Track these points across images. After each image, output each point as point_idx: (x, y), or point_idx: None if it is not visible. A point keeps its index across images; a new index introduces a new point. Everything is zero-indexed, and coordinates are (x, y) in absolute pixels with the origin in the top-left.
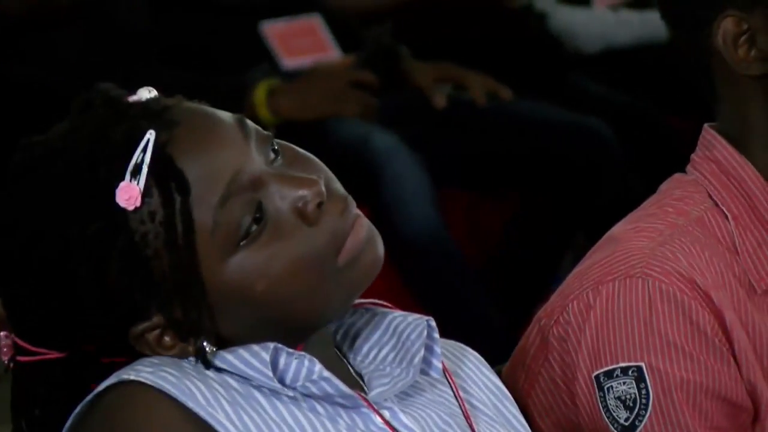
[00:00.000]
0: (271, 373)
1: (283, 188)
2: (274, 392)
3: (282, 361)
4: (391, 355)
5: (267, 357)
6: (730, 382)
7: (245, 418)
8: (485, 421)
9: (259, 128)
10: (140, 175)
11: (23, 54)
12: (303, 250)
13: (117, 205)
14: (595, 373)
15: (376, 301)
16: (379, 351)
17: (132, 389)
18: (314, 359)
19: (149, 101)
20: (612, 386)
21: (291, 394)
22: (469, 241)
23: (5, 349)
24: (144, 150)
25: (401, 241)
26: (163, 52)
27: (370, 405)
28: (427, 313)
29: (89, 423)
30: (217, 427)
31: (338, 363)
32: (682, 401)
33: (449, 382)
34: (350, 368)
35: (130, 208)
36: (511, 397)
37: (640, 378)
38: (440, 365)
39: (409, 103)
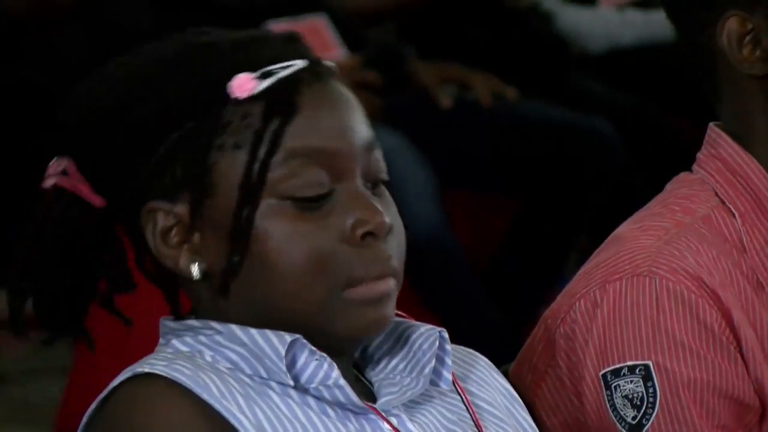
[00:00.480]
0: (284, 366)
1: (357, 201)
2: (285, 389)
3: (302, 358)
4: (402, 365)
5: (282, 350)
6: (737, 380)
7: (258, 412)
8: (496, 423)
9: (383, 167)
10: (265, 81)
11: (24, 54)
12: (325, 252)
13: (225, 87)
14: (602, 371)
15: None
16: (390, 360)
17: (147, 382)
18: (333, 364)
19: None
20: (619, 385)
21: (298, 400)
22: (473, 241)
23: (53, 170)
24: (285, 68)
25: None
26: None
27: (378, 413)
28: (430, 313)
29: (105, 416)
30: (230, 419)
31: (349, 369)
32: (690, 400)
33: (459, 393)
34: (361, 375)
35: (236, 95)
36: (522, 403)
37: (647, 376)
38: (450, 377)
39: (414, 104)
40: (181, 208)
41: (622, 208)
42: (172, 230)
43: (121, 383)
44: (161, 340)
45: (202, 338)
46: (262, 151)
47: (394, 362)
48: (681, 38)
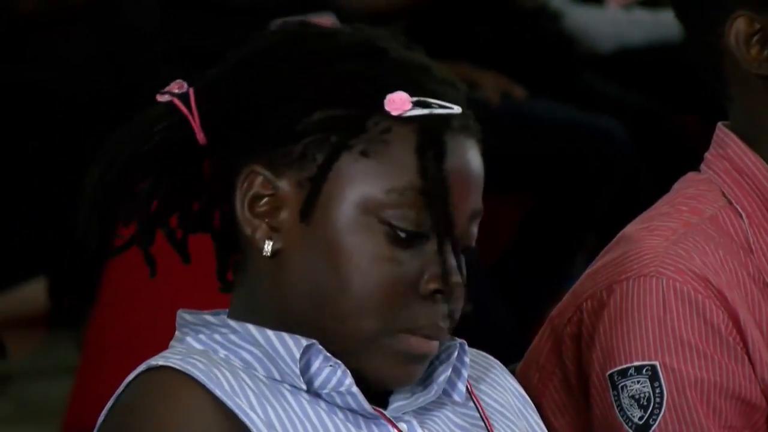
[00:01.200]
0: (297, 370)
1: (444, 257)
2: (297, 390)
3: (316, 363)
4: None
5: (297, 353)
6: (744, 380)
7: (269, 410)
8: (508, 426)
9: (476, 231)
10: (419, 109)
11: (29, 54)
12: (398, 287)
13: (382, 95)
14: (609, 372)
15: None
16: None
17: (161, 374)
18: (347, 371)
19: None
20: (626, 385)
21: (310, 399)
22: (480, 239)
23: (177, 88)
24: (441, 107)
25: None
26: (174, 53)
27: (388, 420)
28: None
29: (120, 407)
30: (241, 415)
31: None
32: (696, 400)
33: (474, 402)
34: None
35: (387, 108)
36: (534, 407)
37: (654, 377)
38: (464, 389)
39: None
40: (284, 185)
41: (630, 207)
42: (263, 199)
43: (137, 376)
44: (177, 334)
45: (217, 336)
46: (429, 183)
47: None
48: (690, 38)
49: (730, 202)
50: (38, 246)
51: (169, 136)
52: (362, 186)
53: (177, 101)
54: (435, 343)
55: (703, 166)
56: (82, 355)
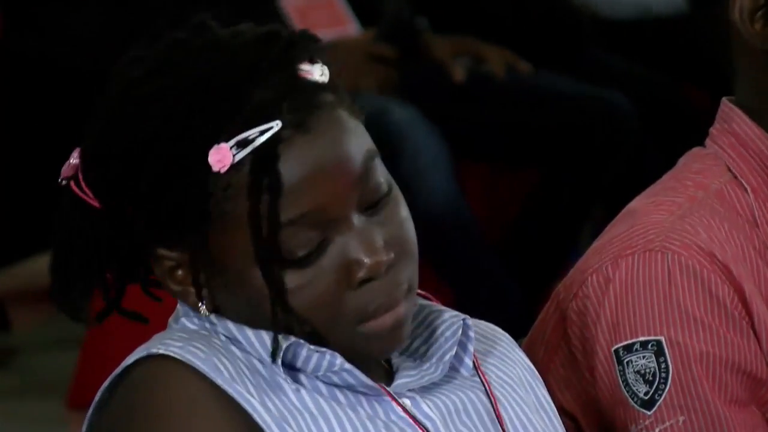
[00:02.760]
0: (281, 370)
1: (353, 244)
2: (294, 377)
3: (303, 353)
4: (423, 348)
5: (268, 342)
6: (750, 355)
7: (268, 403)
8: (514, 405)
9: (382, 180)
10: (242, 150)
11: (38, 28)
12: (328, 298)
13: (205, 157)
14: (615, 347)
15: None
16: (411, 343)
17: (160, 363)
18: (335, 353)
19: (309, 84)
20: (631, 360)
21: (308, 389)
22: (487, 213)
23: (71, 164)
24: (262, 133)
25: (419, 213)
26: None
27: (390, 395)
28: (445, 286)
29: (118, 396)
30: (243, 403)
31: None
32: (702, 375)
33: (480, 377)
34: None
35: (215, 169)
36: (542, 380)
37: (659, 352)
38: (471, 363)
39: (428, 77)
40: (183, 256)
41: (637, 180)
42: (178, 271)
43: (136, 362)
44: (175, 313)
45: (207, 325)
46: (263, 229)
47: (414, 344)
48: (697, 10)
49: (736, 177)
50: (45, 220)
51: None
52: (241, 244)
53: (72, 186)
54: (397, 309)
55: (708, 141)
56: (87, 328)
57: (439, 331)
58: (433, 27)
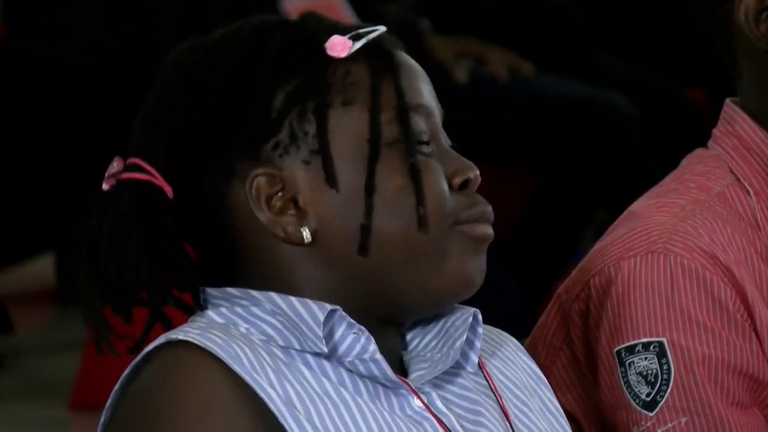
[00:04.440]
0: (321, 333)
1: (450, 155)
2: (319, 362)
3: (340, 330)
4: (433, 342)
5: (321, 317)
6: (752, 357)
7: (288, 387)
8: (519, 407)
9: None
10: (358, 42)
11: (41, 28)
12: (438, 193)
13: (324, 48)
14: (617, 348)
15: None
16: (422, 338)
17: (180, 349)
18: (371, 338)
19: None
20: (633, 362)
21: (326, 350)
22: None
23: (115, 164)
24: (371, 32)
25: None
26: (183, 28)
27: (411, 389)
28: None
29: (138, 382)
30: (259, 392)
31: (395, 339)
32: (704, 377)
33: (485, 376)
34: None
35: (335, 54)
36: (548, 384)
37: (661, 353)
38: (476, 360)
39: (430, 78)
40: (288, 173)
41: (639, 182)
42: (275, 196)
43: (155, 348)
44: (198, 309)
45: (238, 309)
46: (383, 105)
47: (426, 340)
48: (701, 12)
49: (738, 179)
50: (46, 222)
51: (143, 210)
52: (360, 130)
53: (130, 175)
54: (489, 228)
55: (711, 143)
56: (89, 331)
57: (449, 323)
58: (436, 29)
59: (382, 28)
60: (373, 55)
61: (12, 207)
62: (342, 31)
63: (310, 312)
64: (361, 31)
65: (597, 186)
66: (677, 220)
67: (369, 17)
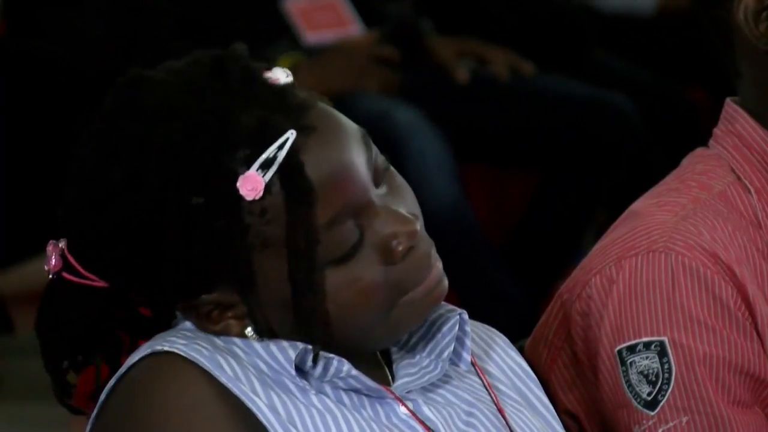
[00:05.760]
0: (293, 371)
1: (383, 222)
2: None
3: (309, 361)
4: (421, 345)
5: (293, 355)
6: (753, 356)
7: (273, 395)
8: (512, 405)
9: (377, 151)
10: (268, 170)
11: (41, 29)
12: (378, 281)
13: (235, 190)
14: (618, 347)
15: None
16: (409, 338)
17: (165, 360)
18: (343, 360)
19: (286, 89)
20: (634, 361)
21: (314, 391)
22: (490, 216)
23: (54, 261)
24: (280, 148)
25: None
26: (184, 28)
27: (396, 397)
28: (448, 288)
29: (123, 393)
30: (247, 402)
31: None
32: (705, 376)
33: (480, 376)
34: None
35: (249, 198)
36: (537, 380)
37: (662, 353)
38: (469, 358)
39: (432, 78)
40: (220, 297)
41: (640, 181)
42: (213, 312)
43: (140, 359)
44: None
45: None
46: (301, 245)
47: (413, 340)
48: (700, 12)
49: (739, 178)
50: (47, 221)
51: (81, 303)
52: (282, 269)
53: (65, 275)
54: (437, 263)
55: (711, 142)
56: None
57: (436, 326)
58: (437, 28)
59: (291, 134)
60: (284, 181)
61: (12, 207)
62: (250, 156)
63: (283, 351)
64: (271, 150)
65: (598, 185)
66: (678, 219)
67: (370, 17)
